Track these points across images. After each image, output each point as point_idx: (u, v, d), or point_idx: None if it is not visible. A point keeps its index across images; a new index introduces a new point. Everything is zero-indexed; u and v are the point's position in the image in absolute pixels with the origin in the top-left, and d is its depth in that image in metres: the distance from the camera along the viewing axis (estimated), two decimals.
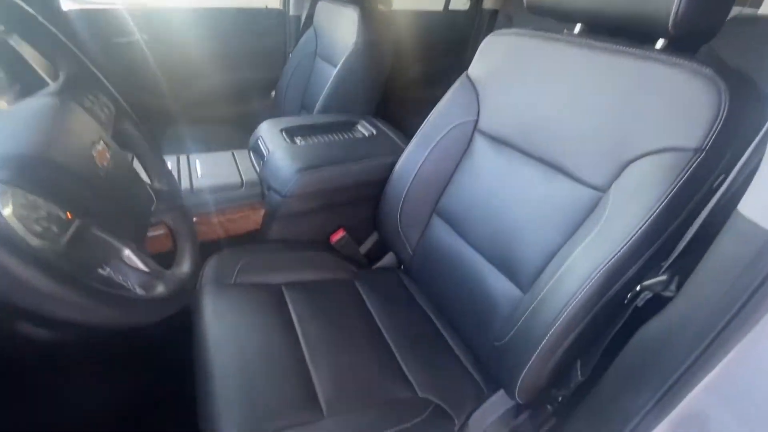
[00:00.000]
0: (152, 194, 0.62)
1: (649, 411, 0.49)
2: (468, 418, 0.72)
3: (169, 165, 0.98)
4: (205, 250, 0.85)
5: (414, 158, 0.92)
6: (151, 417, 0.81)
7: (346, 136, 1.12)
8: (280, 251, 0.93)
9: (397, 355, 0.79)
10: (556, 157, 0.71)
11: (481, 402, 0.74)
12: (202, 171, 0.98)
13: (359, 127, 1.17)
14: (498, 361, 0.71)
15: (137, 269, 0.47)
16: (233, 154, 1.08)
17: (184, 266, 0.61)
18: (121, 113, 0.62)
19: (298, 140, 1.04)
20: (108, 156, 0.50)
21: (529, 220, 0.72)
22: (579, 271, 0.58)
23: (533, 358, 0.61)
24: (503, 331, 0.70)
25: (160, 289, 0.49)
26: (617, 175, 0.61)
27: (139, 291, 0.47)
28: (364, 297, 0.91)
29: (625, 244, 0.54)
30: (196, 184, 0.93)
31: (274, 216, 0.94)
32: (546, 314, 0.61)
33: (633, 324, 0.54)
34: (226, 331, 0.71)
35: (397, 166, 0.95)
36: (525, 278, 0.71)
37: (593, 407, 0.59)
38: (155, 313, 0.48)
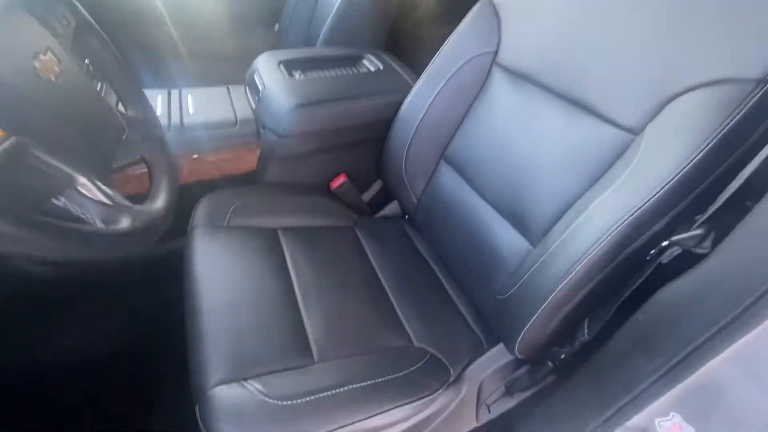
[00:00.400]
0: (123, 122, 0.56)
1: (658, 379, 0.45)
2: (464, 369, 0.70)
3: (159, 100, 0.92)
4: (198, 190, 0.81)
5: (422, 97, 0.83)
6: (142, 355, 0.82)
7: (350, 70, 1.03)
8: (276, 194, 0.88)
9: (394, 304, 0.76)
10: (583, 93, 0.61)
11: (478, 355, 0.72)
12: (194, 107, 0.91)
13: (365, 61, 1.06)
14: (499, 315, 0.67)
15: (97, 201, 0.43)
16: (228, 89, 1.00)
17: (158, 202, 0.56)
18: (84, 27, 0.54)
19: (296, 74, 0.95)
20: (57, 69, 0.44)
21: (546, 166, 0.65)
22: (598, 223, 0.51)
23: (537, 314, 0.56)
24: (507, 285, 0.65)
25: (124, 223, 0.45)
26: (655, 114, 0.53)
27: (99, 224, 0.43)
28: (364, 245, 0.87)
29: (657, 193, 0.46)
30: (186, 120, 0.87)
31: (269, 157, 0.88)
32: (555, 269, 0.56)
33: (653, 283, 0.48)
34: (216, 274, 0.68)
35: (404, 106, 0.86)
36: (536, 230, 0.65)
37: (596, 369, 0.55)
38: (118, 249, 0.44)
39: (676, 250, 0.46)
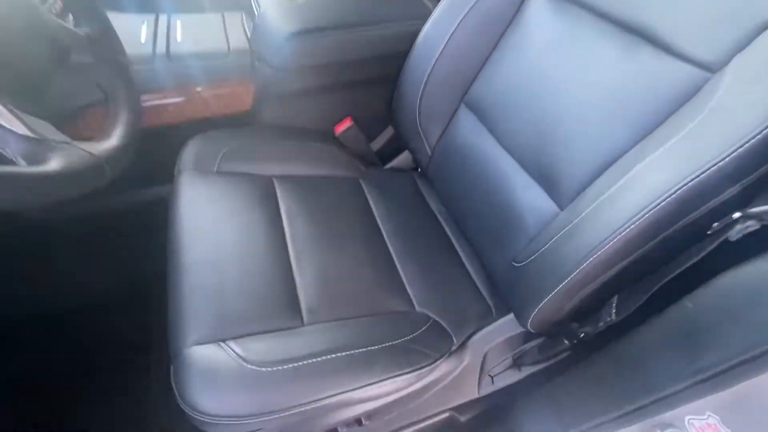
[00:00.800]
0: (69, 40, 0.47)
1: (700, 382, 0.36)
2: (468, 338, 0.64)
3: (145, 26, 0.81)
4: (186, 131, 0.74)
5: (442, 27, 0.70)
6: (124, 307, 0.80)
7: None
8: (273, 138, 0.79)
9: (397, 264, 0.69)
10: (645, 18, 0.48)
11: (486, 324, 0.66)
12: (183, 34, 0.80)
13: None
14: (513, 284, 0.59)
15: (17, 133, 0.35)
16: (223, 16, 0.88)
17: (113, 139, 0.49)
18: None
19: None
20: None
21: (588, 111, 0.53)
22: (648, 185, 0.41)
23: (557, 289, 0.48)
24: (526, 252, 0.57)
25: (53, 164, 0.38)
26: (742, 46, 0.40)
27: (22, 162, 0.36)
28: (369, 198, 0.79)
29: (737, 149, 0.35)
30: (173, 49, 0.77)
31: (265, 94, 0.78)
32: (585, 238, 0.46)
33: (713, 264, 0.38)
34: (202, 225, 0.62)
35: (420, 37, 0.73)
36: (566, 190, 0.55)
37: (620, 356, 0.47)
38: (42, 193, 0.38)
39: (751, 226, 0.36)
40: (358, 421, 0.61)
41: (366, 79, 0.82)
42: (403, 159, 0.91)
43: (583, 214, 0.48)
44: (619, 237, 0.43)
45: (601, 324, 0.50)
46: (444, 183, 0.78)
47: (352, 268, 0.65)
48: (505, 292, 0.64)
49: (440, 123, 0.77)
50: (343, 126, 0.85)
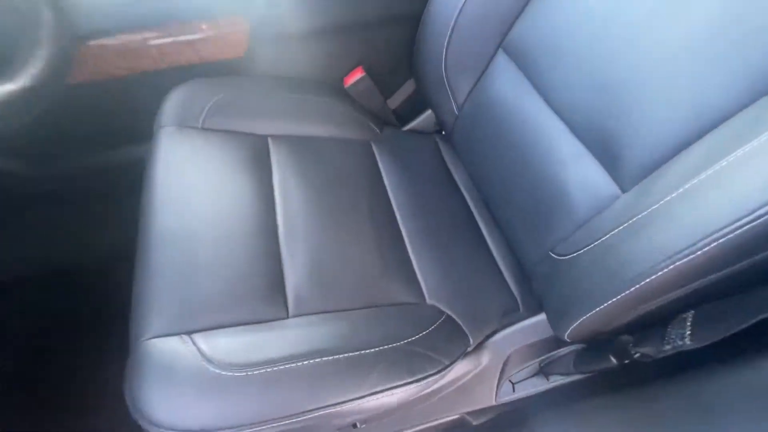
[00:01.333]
0: None
1: None
2: (488, 337, 0.54)
3: None
4: (169, 80, 0.63)
5: None
6: (92, 281, 0.73)
7: None
8: (271, 90, 0.67)
9: (408, 245, 0.58)
10: None
11: (510, 323, 0.55)
12: None
13: None
14: (550, 279, 0.48)
15: None
16: None
17: (14, 76, 0.38)
18: None
19: None
20: None
21: (679, 59, 0.38)
22: (756, 180, 0.27)
23: (615, 299, 0.36)
24: (572, 241, 0.44)
25: None
26: None
27: None
28: (381, 164, 0.67)
29: None
30: None
31: (261, 36, 0.65)
32: (661, 237, 0.34)
33: None
34: (177, 189, 0.53)
35: None
36: (633, 168, 0.42)
37: (690, 403, 0.35)
38: None
39: None
40: (352, 424, 0.53)
41: (383, 16, 0.68)
42: (424, 119, 0.77)
43: (658, 205, 0.35)
44: (710, 242, 0.30)
45: (668, 347, 0.37)
46: (472, 148, 0.64)
47: (352, 249, 0.55)
48: (538, 288, 0.52)
49: (471, 74, 0.62)
50: (354, 77, 0.72)
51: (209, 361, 0.39)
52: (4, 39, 0.40)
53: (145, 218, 0.51)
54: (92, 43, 0.60)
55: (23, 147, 0.67)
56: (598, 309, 0.37)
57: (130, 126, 0.63)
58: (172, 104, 0.61)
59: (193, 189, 0.53)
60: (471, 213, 0.66)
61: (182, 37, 0.64)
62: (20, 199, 0.71)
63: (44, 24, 0.41)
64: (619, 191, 0.43)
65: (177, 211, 0.51)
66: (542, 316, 0.53)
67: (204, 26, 0.64)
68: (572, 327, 0.42)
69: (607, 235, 0.38)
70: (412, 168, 0.69)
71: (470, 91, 0.63)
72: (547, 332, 0.54)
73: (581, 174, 0.47)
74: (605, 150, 0.45)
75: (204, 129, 0.60)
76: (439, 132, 0.77)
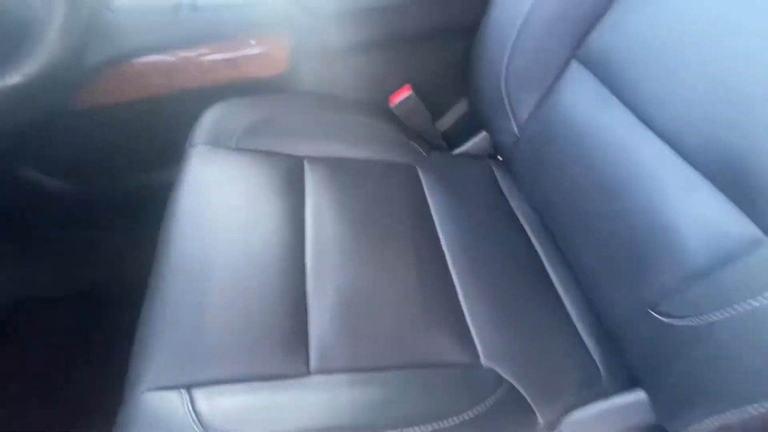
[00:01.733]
0: None
1: None
2: (562, 417, 0.42)
3: None
4: (209, 96, 0.60)
5: None
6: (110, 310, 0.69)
7: None
8: (310, 109, 0.62)
9: (458, 290, 0.49)
10: None
11: (591, 398, 0.42)
12: None
13: None
14: (655, 347, 0.36)
15: None
16: None
17: (19, 67, 0.35)
18: None
19: None
20: None
21: None
22: None
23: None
24: (689, 300, 0.33)
25: None
26: None
27: None
28: (427, 191, 0.59)
29: None
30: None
31: (303, 52, 0.62)
32: None
33: None
34: (200, 213, 0.48)
35: None
36: None
37: None
38: None
39: None
40: None
41: (432, 31, 0.61)
42: (478, 142, 0.68)
43: None
44: None
45: None
46: (537, 176, 0.54)
47: (391, 291, 0.46)
48: (633, 357, 0.40)
49: (536, 89, 0.54)
50: (401, 96, 0.65)
51: (203, 426, 0.31)
52: (9, 33, 0.38)
53: (163, 244, 0.45)
54: (135, 61, 0.60)
55: (68, 166, 0.67)
56: (750, 409, 0.25)
57: (169, 146, 0.60)
58: (206, 123, 0.57)
59: (216, 213, 0.48)
60: (536, 253, 0.55)
61: (223, 55, 0.62)
62: (61, 218, 0.71)
63: (52, 23, 0.39)
64: (760, 233, 0.31)
65: (196, 237, 0.45)
66: (638, 395, 0.40)
67: (246, 43, 0.62)
68: (696, 424, 0.29)
69: (759, 299, 0.27)
70: (463, 196, 0.60)
71: (535, 109, 0.54)
72: (644, 413, 0.41)
73: (696, 209, 0.36)
74: (733, 178, 0.34)
75: (237, 149, 0.56)
76: (494, 157, 0.68)
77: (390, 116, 0.66)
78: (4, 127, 0.41)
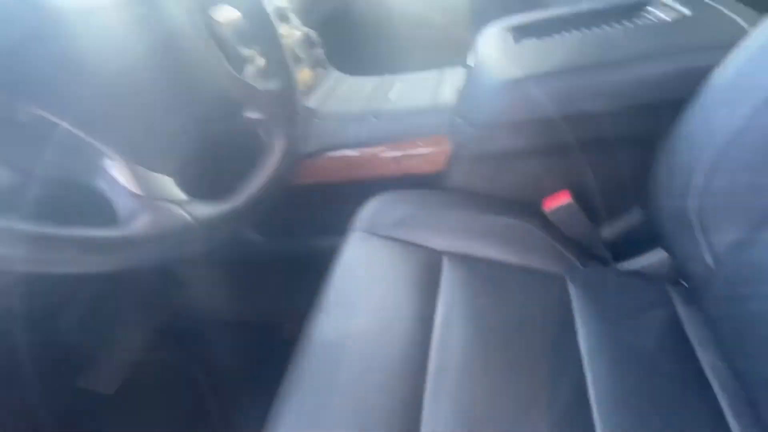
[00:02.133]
0: (242, 95, 0.46)
1: None
2: None
3: (369, 86, 0.86)
4: (373, 188, 0.70)
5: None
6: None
7: (622, 25, 0.64)
8: (459, 206, 0.65)
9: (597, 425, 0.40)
10: None
11: None
12: (396, 94, 0.80)
13: (653, 7, 0.63)
14: None
15: (123, 187, 0.34)
16: (443, 72, 0.83)
17: (231, 202, 0.45)
18: None
19: (528, 41, 0.66)
20: None
21: None
22: None
23: None
24: None
25: (141, 222, 0.35)
26: None
27: (122, 215, 0.35)
28: (575, 309, 0.52)
29: None
30: (384, 107, 0.76)
31: (459, 156, 0.65)
32: None
33: None
34: (346, 293, 0.54)
35: (723, 76, 0.44)
36: None
37: None
38: (120, 258, 0.35)
39: None
40: None
41: (599, 138, 0.57)
42: (652, 258, 0.57)
43: None
44: None
45: None
46: (741, 328, 0.42)
47: (518, 417, 0.41)
48: None
49: (745, 216, 0.43)
50: (558, 201, 0.61)
51: None
52: (233, 160, 0.52)
53: (316, 309, 0.53)
54: (329, 154, 0.75)
55: (268, 225, 0.87)
56: None
57: (339, 223, 0.72)
58: (367, 211, 0.66)
59: (357, 296, 0.53)
60: (725, 421, 0.41)
61: (395, 152, 0.72)
62: (254, 264, 0.91)
63: (271, 157, 0.52)
64: None
65: (338, 313, 0.51)
66: None
67: (414, 144, 0.71)
68: None
69: None
70: (623, 323, 0.51)
71: (739, 241, 0.43)
72: None
73: None
74: None
75: (388, 237, 0.62)
76: (676, 282, 0.56)
77: (542, 219, 0.63)
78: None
